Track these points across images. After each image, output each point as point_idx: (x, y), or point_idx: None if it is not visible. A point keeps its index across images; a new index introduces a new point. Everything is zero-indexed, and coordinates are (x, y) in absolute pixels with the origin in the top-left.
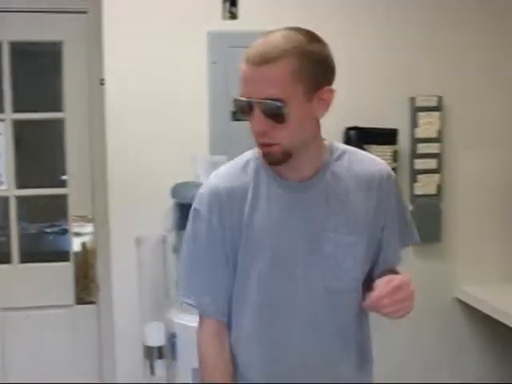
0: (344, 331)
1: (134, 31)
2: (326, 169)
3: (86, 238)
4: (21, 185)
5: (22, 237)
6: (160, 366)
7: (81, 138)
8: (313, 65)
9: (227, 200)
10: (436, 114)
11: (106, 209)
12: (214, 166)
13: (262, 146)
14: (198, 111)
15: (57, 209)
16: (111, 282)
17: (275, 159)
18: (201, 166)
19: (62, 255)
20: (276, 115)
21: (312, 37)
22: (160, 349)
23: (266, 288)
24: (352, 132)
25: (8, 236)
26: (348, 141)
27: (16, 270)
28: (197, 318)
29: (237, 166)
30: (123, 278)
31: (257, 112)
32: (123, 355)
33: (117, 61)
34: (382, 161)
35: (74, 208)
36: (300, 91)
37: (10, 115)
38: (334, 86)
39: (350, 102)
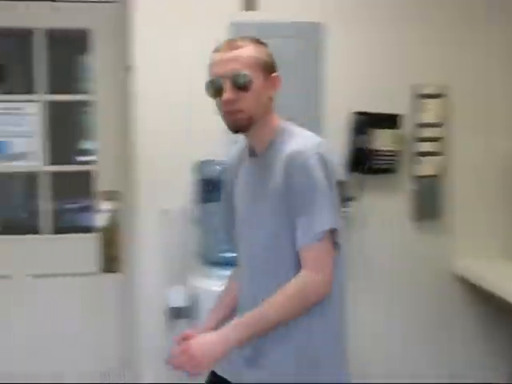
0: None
1: (161, 22)
2: (271, 147)
3: (113, 212)
4: (53, 162)
5: (53, 211)
6: (182, 326)
7: (110, 118)
8: (265, 56)
9: (230, 161)
10: (439, 100)
11: (133, 184)
12: (233, 144)
13: (228, 114)
14: None
15: (85, 185)
16: (136, 251)
17: (240, 124)
18: (221, 145)
19: (90, 228)
20: (243, 85)
21: (260, 41)
22: (183, 309)
23: (238, 242)
24: (357, 116)
25: (37, 210)
26: (354, 124)
27: (46, 240)
28: (217, 283)
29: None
30: (148, 248)
31: (227, 85)
32: (146, 319)
33: (145, 48)
34: (308, 145)
35: (102, 183)
36: (260, 71)
37: (43, 97)
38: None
39: (361, 89)
